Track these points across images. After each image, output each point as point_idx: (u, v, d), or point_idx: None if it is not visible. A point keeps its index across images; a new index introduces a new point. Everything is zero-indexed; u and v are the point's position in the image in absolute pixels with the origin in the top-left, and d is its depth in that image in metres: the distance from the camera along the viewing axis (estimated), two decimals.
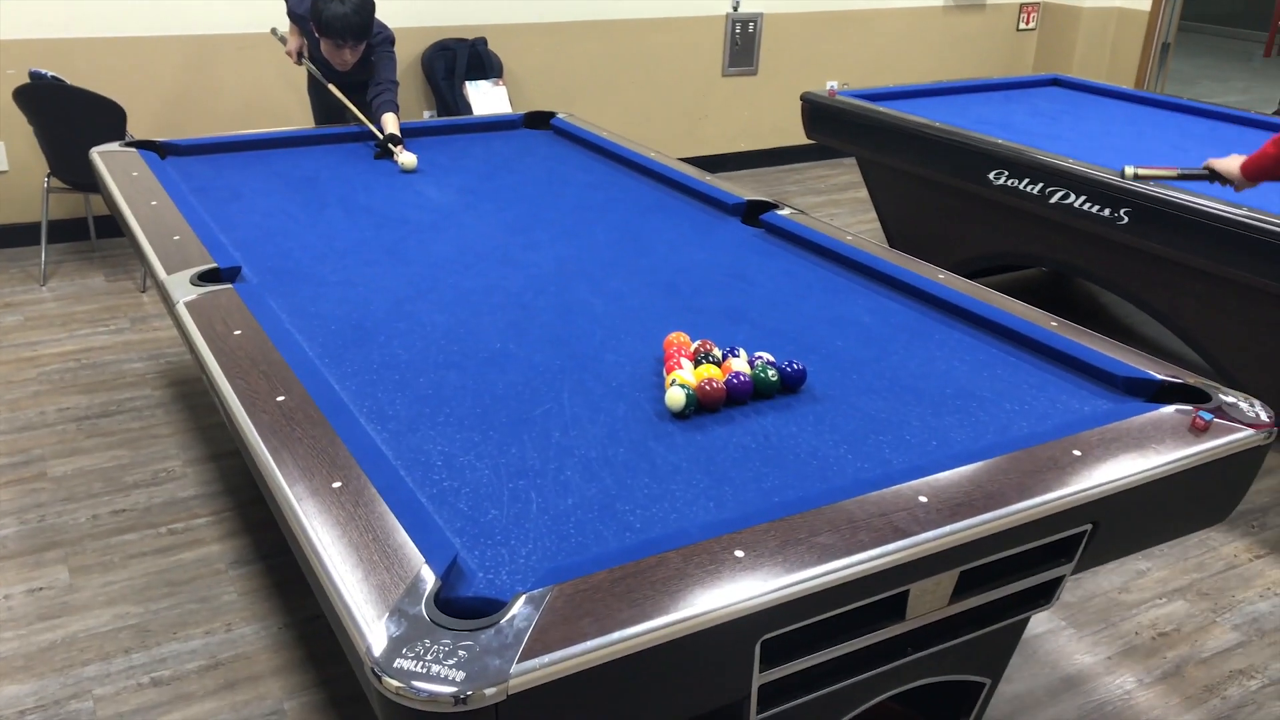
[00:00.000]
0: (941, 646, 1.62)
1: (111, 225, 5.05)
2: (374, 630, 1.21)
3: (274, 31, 4.18)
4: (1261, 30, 12.20)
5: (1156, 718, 2.35)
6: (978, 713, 1.97)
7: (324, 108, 4.11)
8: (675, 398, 1.78)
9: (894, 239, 4.63)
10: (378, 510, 1.44)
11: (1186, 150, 3.87)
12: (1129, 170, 2.90)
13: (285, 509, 1.48)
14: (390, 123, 3.51)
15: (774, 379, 1.85)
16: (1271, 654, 2.56)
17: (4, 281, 4.53)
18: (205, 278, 2.28)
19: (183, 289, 2.21)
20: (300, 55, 3.96)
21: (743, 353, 1.92)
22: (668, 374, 1.87)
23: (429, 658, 1.17)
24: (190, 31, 4.89)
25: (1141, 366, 1.94)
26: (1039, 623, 2.63)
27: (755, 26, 6.26)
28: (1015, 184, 3.65)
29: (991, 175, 3.73)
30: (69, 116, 4.20)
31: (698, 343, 1.94)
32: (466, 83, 5.34)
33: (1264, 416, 1.77)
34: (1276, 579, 2.84)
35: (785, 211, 2.81)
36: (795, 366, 1.87)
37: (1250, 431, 1.73)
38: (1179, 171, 2.80)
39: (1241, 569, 2.88)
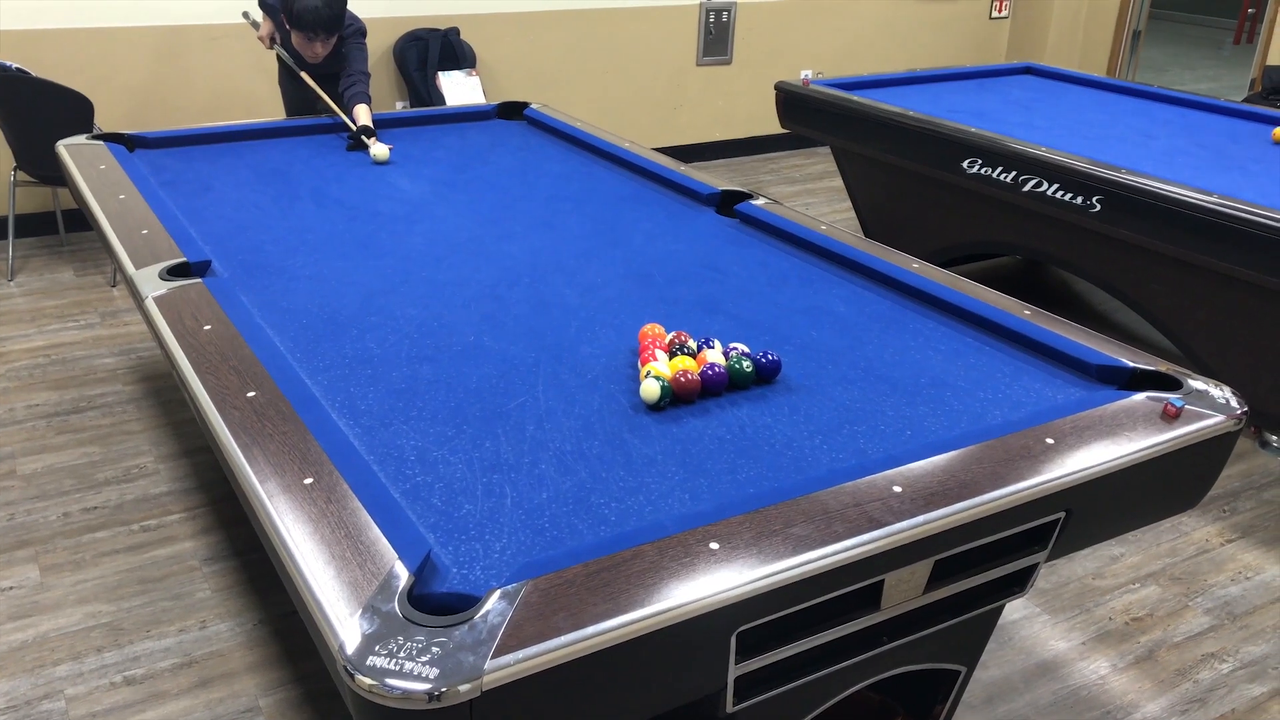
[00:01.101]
0: (917, 635, 1.62)
1: (80, 219, 4.98)
2: (346, 628, 1.20)
3: (246, 16, 4.13)
4: (1230, 18, 12.30)
5: (1130, 702, 2.37)
6: (954, 700, 1.98)
7: (296, 100, 4.07)
8: (650, 390, 1.77)
9: (869, 228, 4.64)
10: (350, 506, 1.43)
11: (1158, 137, 3.89)
12: None
13: (256, 506, 1.47)
14: (363, 114, 3.48)
15: (749, 370, 1.84)
16: (1243, 637, 2.59)
17: None
18: (174, 272, 2.25)
19: (151, 284, 2.18)
20: (273, 40, 3.93)
21: (718, 344, 1.91)
22: (642, 366, 1.86)
23: (402, 655, 1.16)
24: (158, 22, 4.83)
25: (1114, 354, 1.95)
26: (1014, 609, 2.65)
27: (729, 16, 6.24)
28: (989, 172, 3.67)
29: (965, 164, 3.74)
30: (35, 109, 4.15)
31: (672, 334, 1.94)
32: (439, 73, 5.30)
33: (1234, 403, 1.79)
34: (1248, 563, 2.87)
35: (760, 201, 2.81)
36: (770, 358, 1.87)
37: (1221, 418, 1.74)
38: None
39: (1213, 553, 2.91)
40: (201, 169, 3.10)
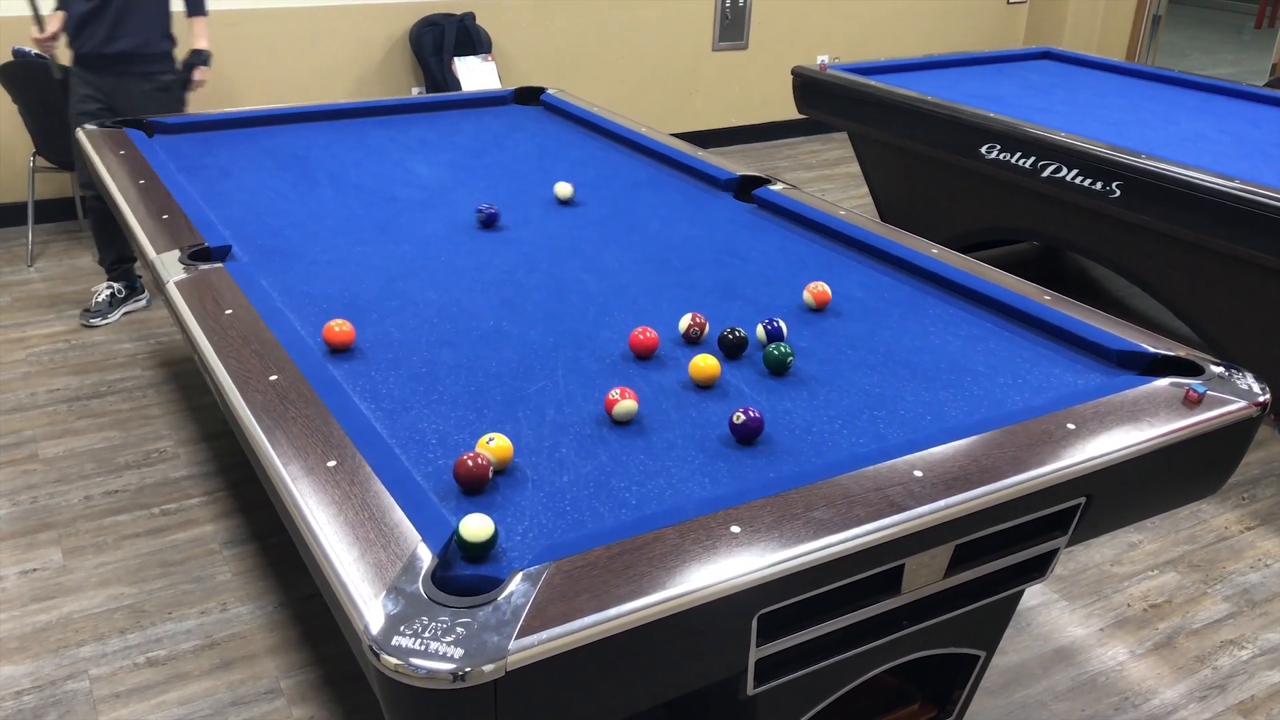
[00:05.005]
0: (937, 620, 1.62)
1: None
2: (371, 608, 1.21)
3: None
4: (1252, 2, 12.17)
5: (1148, 688, 2.37)
6: (972, 685, 1.99)
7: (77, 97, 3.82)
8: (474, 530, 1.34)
9: (886, 214, 4.62)
10: (373, 489, 1.44)
11: (1178, 123, 3.86)
12: None
13: (280, 488, 1.48)
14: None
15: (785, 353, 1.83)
16: (1262, 624, 2.58)
17: None
18: (195, 257, 2.26)
19: (173, 268, 2.20)
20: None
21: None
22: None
23: (427, 635, 1.17)
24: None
25: (1134, 340, 1.94)
26: (1031, 595, 2.65)
27: (745, 1, 6.21)
28: (1007, 158, 3.65)
29: (983, 149, 3.72)
30: (54, 95, 4.16)
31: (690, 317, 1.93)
32: (455, 59, 5.30)
33: (1256, 389, 1.78)
34: (1267, 550, 2.86)
35: (777, 186, 2.80)
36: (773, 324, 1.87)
37: (1243, 404, 1.74)
38: None
39: (1232, 540, 2.90)
40: (221, 154, 3.11)
